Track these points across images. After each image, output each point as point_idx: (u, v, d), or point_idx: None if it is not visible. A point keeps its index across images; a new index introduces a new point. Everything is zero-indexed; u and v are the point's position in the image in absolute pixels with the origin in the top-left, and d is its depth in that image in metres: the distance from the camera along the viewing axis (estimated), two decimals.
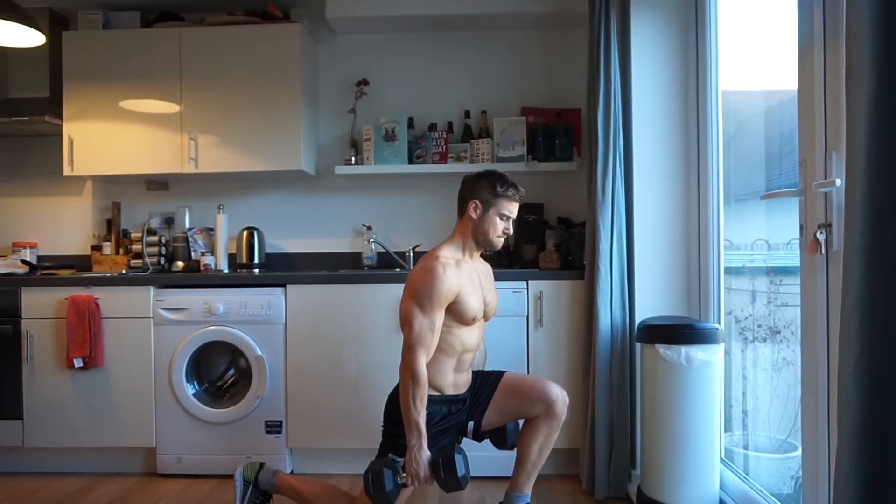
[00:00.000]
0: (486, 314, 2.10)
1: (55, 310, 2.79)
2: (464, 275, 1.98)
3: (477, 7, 3.00)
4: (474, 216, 2.02)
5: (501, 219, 2.03)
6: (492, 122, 3.15)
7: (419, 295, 1.90)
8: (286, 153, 3.04)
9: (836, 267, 1.51)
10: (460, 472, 1.85)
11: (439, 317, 1.92)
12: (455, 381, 2.04)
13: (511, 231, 2.07)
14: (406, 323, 1.91)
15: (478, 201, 2.01)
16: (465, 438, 2.12)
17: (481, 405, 2.11)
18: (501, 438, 2.19)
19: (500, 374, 2.16)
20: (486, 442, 2.66)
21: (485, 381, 2.14)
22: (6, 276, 2.91)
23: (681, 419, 2.10)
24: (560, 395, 2.06)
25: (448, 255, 2.00)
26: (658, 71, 2.50)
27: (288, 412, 2.75)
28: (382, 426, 2.07)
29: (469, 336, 2.03)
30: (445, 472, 1.85)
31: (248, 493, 2.20)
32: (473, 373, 2.15)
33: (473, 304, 1.99)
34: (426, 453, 1.87)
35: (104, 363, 2.78)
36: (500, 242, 2.06)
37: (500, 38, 3.30)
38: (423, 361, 1.88)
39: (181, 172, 3.07)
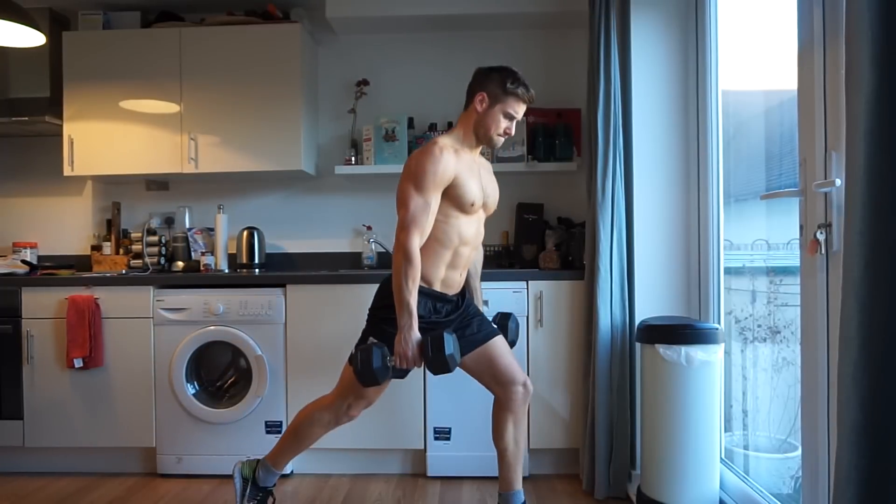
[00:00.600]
0: (486, 205, 2.08)
1: (55, 310, 2.80)
2: (462, 162, 1.96)
3: (477, 7, 3.00)
4: (479, 109, 1.99)
5: (506, 117, 2.00)
6: None
7: (415, 175, 1.89)
8: (286, 153, 3.04)
9: (836, 267, 1.51)
10: (448, 349, 1.82)
11: (435, 199, 1.90)
12: (446, 278, 2.02)
13: (513, 132, 2.04)
14: (402, 203, 1.90)
15: (485, 94, 1.99)
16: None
17: (465, 345, 2.05)
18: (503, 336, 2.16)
19: (491, 333, 2.09)
20: (485, 441, 2.67)
21: (472, 329, 2.07)
22: (6, 276, 2.91)
23: (681, 419, 2.10)
24: (521, 380, 2.05)
25: (448, 142, 1.98)
26: (658, 71, 2.50)
27: (288, 412, 2.75)
28: (368, 310, 2.05)
29: (467, 226, 2.01)
30: (433, 350, 1.82)
31: (248, 490, 2.20)
32: (472, 310, 2.11)
33: (472, 190, 1.96)
34: (416, 334, 1.85)
35: (104, 363, 2.78)
36: (500, 141, 2.03)
37: (499, 38, 3.30)
38: (416, 241, 1.86)
39: (181, 172, 3.07)
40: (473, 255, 2.14)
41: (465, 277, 2.14)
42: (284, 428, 2.75)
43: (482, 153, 2.19)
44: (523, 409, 2.07)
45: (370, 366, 1.84)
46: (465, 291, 2.15)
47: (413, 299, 1.85)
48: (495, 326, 2.15)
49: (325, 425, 2.13)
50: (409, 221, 1.87)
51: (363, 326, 2.01)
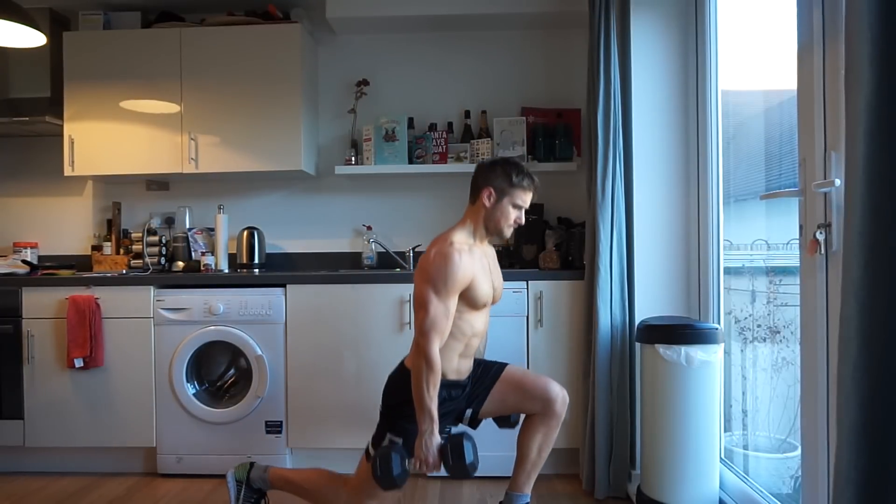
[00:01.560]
0: (493, 298, 2.10)
1: (56, 310, 2.80)
2: (476, 261, 1.97)
3: (477, 7, 3.00)
4: (487, 204, 2.00)
5: (515, 208, 2.01)
6: (492, 122, 3.15)
7: (435, 280, 1.88)
8: (286, 153, 3.04)
9: (836, 267, 1.51)
10: (468, 458, 1.83)
11: (453, 302, 1.91)
12: (459, 367, 2.04)
13: (523, 221, 2.06)
14: (421, 307, 1.89)
15: (492, 189, 1.99)
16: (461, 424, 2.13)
17: (480, 395, 2.11)
18: (504, 418, 2.18)
19: (502, 365, 2.16)
20: (485, 441, 2.67)
21: (486, 372, 2.14)
22: (7, 276, 2.91)
23: (681, 419, 2.10)
24: (560, 394, 2.06)
25: (461, 240, 1.99)
26: (658, 71, 2.50)
27: (288, 412, 2.75)
28: (381, 407, 2.06)
29: (478, 320, 2.03)
30: (454, 458, 1.83)
31: (242, 493, 2.20)
32: (475, 361, 2.14)
33: (485, 290, 1.99)
34: (437, 439, 1.86)
35: (105, 363, 2.78)
36: (510, 231, 2.05)
37: (499, 39, 3.30)
38: (437, 347, 1.86)
39: (181, 172, 3.07)
40: (481, 342, 2.18)
41: None
42: (284, 428, 2.74)
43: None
44: (560, 420, 2.08)
45: (390, 473, 1.85)
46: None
47: (435, 405, 1.86)
48: (497, 361, 2.19)
49: (339, 502, 2.11)
50: (430, 327, 1.86)
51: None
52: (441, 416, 1.95)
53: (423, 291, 1.90)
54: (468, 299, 1.96)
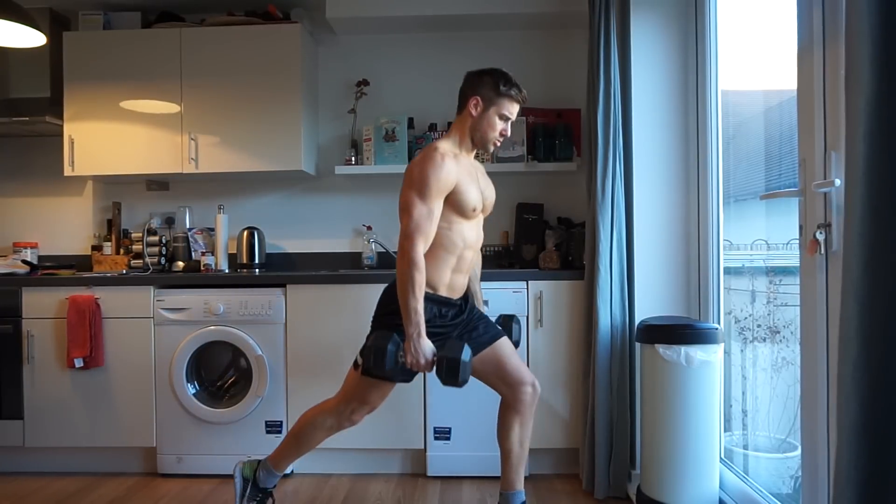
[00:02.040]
0: (484, 207, 2.09)
1: (56, 310, 2.80)
2: (462, 168, 1.97)
3: (477, 7, 3.00)
4: (474, 113, 1.99)
5: (501, 118, 2.00)
6: None
7: (418, 183, 1.88)
8: (286, 153, 3.04)
9: (836, 267, 1.51)
10: (466, 357, 1.82)
11: (437, 206, 1.90)
12: (451, 283, 2.02)
13: (508, 133, 2.05)
14: (405, 211, 1.89)
15: (478, 98, 1.99)
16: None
17: (473, 348, 2.06)
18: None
19: (497, 334, 2.11)
20: (485, 441, 2.67)
21: (486, 329, 2.09)
22: (7, 276, 2.91)
23: (681, 419, 2.10)
24: (529, 380, 2.05)
25: (447, 147, 1.98)
26: (658, 71, 2.50)
27: (288, 412, 2.75)
28: (373, 316, 2.05)
29: (469, 231, 2.02)
30: (447, 370, 1.81)
31: (248, 490, 2.20)
32: (476, 314, 2.12)
33: (473, 195, 1.98)
34: (426, 342, 1.85)
35: (105, 363, 2.78)
36: (496, 144, 2.04)
37: (499, 39, 3.30)
38: (420, 249, 1.86)
39: (181, 172, 3.07)
40: (475, 258, 2.16)
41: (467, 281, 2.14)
42: (284, 428, 2.75)
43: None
44: (531, 410, 2.08)
45: (383, 360, 1.84)
46: (468, 294, 2.16)
47: (420, 306, 1.85)
48: (500, 328, 2.16)
49: (328, 429, 2.13)
50: (413, 229, 1.86)
51: (363, 327, 2.01)
52: (431, 333, 1.90)
53: (407, 195, 1.89)
54: (455, 205, 1.94)
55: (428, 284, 1.95)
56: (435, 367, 1.85)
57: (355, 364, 2.03)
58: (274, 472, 2.20)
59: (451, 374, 1.81)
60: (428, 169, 1.89)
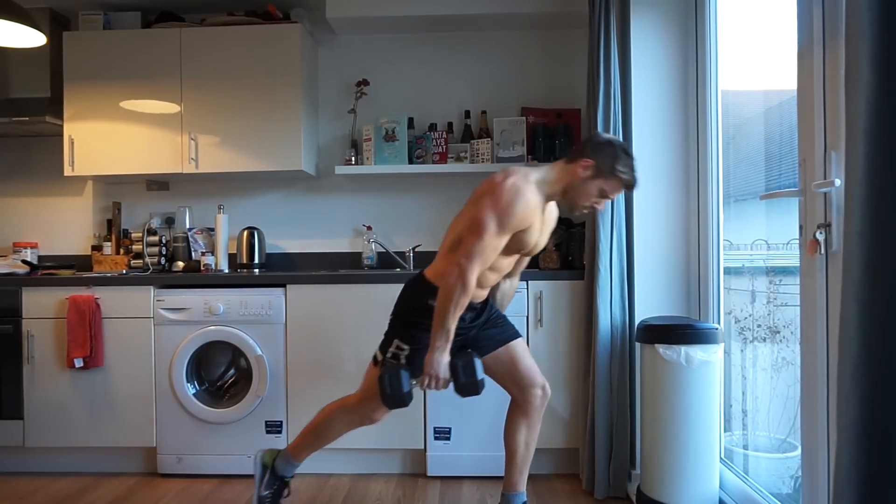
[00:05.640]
0: (529, 251, 2.04)
1: (56, 310, 2.80)
2: (538, 211, 1.92)
3: (477, 7, 3.00)
4: (580, 174, 1.90)
5: (600, 194, 1.93)
6: (492, 122, 3.15)
7: (503, 211, 1.81)
8: (286, 153, 3.04)
9: (836, 267, 1.51)
10: (479, 375, 1.85)
11: (505, 240, 1.86)
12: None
13: (601, 209, 2.02)
14: (475, 231, 1.82)
15: (593, 163, 1.89)
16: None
17: (486, 346, 2.08)
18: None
19: (514, 335, 2.12)
20: (485, 441, 2.67)
21: (504, 329, 2.11)
22: (7, 276, 2.91)
23: (681, 419, 2.10)
24: (540, 383, 2.06)
25: (539, 182, 1.91)
26: (658, 71, 2.50)
27: (288, 412, 2.75)
28: (392, 314, 2.04)
29: (505, 261, 1.99)
30: (466, 375, 1.85)
31: (267, 477, 2.21)
32: (495, 313, 2.13)
33: (531, 240, 1.94)
34: (447, 357, 1.85)
35: (105, 363, 2.78)
36: (582, 211, 1.98)
37: (499, 39, 3.30)
38: (476, 274, 1.82)
39: (181, 172, 3.07)
40: (506, 287, 2.19)
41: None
42: (285, 428, 2.75)
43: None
44: (539, 413, 2.09)
45: (400, 391, 1.86)
46: (488, 299, 2.15)
47: (454, 326, 1.84)
48: (516, 329, 2.17)
49: (348, 424, 2.14)
50: (477, 254, 1.81)
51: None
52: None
53: (485, 217, 1.82)
54: (509, 241, 1.90)
55: None
56: (453, 377, 1.87)
57: (374, 360, 2.04)
58: (292, 461, 2.22)
59: (469, 374, 1.85)
60: (518, 202, 1.82)
